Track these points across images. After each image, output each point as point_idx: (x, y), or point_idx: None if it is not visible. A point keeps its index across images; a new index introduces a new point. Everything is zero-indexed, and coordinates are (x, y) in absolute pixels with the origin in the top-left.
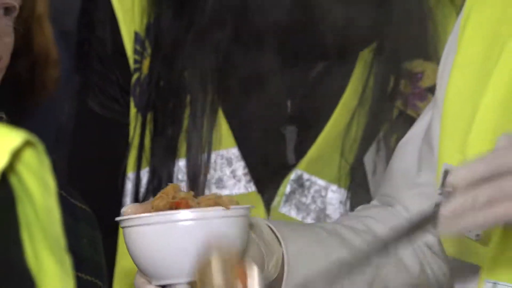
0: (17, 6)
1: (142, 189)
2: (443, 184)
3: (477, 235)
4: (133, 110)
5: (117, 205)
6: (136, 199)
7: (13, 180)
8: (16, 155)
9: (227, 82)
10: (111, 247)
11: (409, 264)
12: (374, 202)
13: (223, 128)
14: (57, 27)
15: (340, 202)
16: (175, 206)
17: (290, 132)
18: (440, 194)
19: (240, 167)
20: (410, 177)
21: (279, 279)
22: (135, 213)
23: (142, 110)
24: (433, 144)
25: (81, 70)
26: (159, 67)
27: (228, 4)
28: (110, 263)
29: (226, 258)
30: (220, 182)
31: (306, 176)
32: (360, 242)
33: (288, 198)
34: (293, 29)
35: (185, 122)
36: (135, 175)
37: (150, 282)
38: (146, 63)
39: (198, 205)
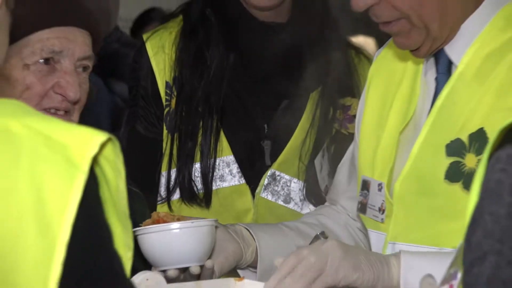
0: (91, 66)
1: (172, 182)
2: (362, 189)
3: (382, 219)
4: (165, 132)
5: (156, 191)
6: (168, 190)
7: (97, 170)
8: (100, 149)
9: (226, 113)
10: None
11: (345, 241)
12: (326, 203)
13: (224, 142)
14: (107, 100)
15: (299, 189)
16: (157, 222)
17: (267, 145)
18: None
19: (235, 167)
20: (344, 187)
21: (255, 262)
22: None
23: (171, 131)
24: (355, 164)
25: (131, 106)
26: (182, 104)
27: (227, 63)
28: None
29: None
30: (222, 178)
31: (277, 173)
32: (313, 232)
33: (266, 187)
34: (271, 79)
35: (199, 139)
36: (167, 173)
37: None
38: (173, 101)
39: (178, 220)
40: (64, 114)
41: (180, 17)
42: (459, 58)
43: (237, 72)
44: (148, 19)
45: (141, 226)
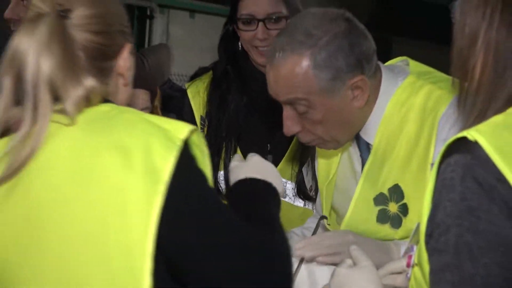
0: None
1: None
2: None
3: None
4: None
5: None
6: None
7: (190, 147)
8: (189, 136)
9: (241, 137)
10: None
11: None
12: (314, 213)
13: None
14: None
15: (292, 188)
16: None
17: (269, 158)
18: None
19: None
20: (320, 203)
21: None
22: None
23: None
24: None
25: None
26: (211, 131)
27: (242, 103)
28: None
29: None
30: None
31: None
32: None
33: None
34: (272, 114)
35: (223, 155)
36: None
37: None
38: (205, 129)
39: None
40: None
41: (210, 71)
42: (371, 139)
43: (249, 109)
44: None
45: None
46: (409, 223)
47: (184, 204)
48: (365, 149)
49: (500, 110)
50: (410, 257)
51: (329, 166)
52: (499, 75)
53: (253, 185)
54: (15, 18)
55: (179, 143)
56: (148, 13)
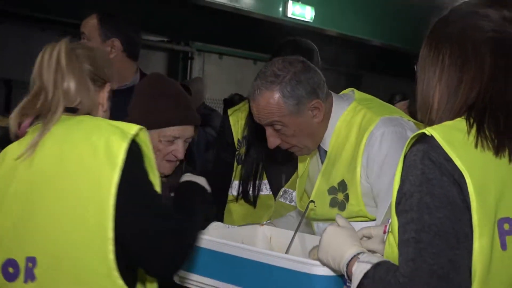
0: (192, 137)
1: (236, 188)
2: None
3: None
4: (235, 164)
5: (227, 191)
6: (237, 193)
7: (139, 143)
8: (137, 134)
9: (266, 160)
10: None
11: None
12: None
13: (264, 174)
14: (204, 138)
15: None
16: None
17: (283, 177)
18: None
19: (267, 186)
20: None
21: None
22: None
23: (239, 163)
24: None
25: (218, 147)
26: (253, 153)
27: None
28: None
29: None
30: (261, 190)
31: (287, 189)
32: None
33: (282, 195)
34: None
35: (253, 170)
36: (238, 182)
37: None
38: (242, 150)
39: None
40: (176, 161)
41: (247, 102)
42: (327, 147)
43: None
44: (231, 101)
45: None
46: (350, 207)
47: (133, 180)
48: (323, 154)
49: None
50: (385, 226)
51: (303, 166)
52: (449, 108)
53: (188, 186)
54: None
55: (129, 136)
56: (190, 55)
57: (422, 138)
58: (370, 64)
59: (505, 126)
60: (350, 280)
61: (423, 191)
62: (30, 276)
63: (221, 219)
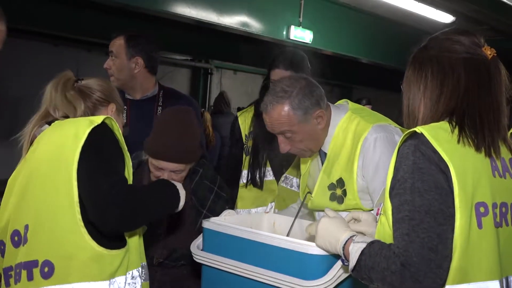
0: (183, 172)
1: (246, 175)
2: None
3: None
4: (244, 155)
5: (238, 179)
6: (247, 179)
7: (112, 129)
8: (105, 122)
9: (270, 151)
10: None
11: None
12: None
13: (268, 164)
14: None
15: (296, 181)
16: None
17: (284, 165)
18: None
19: (271, 172)
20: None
21: None
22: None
23: (247, 155)
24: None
25: (231, 144)
26: (253, 145)
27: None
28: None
29: None
30: (266, 176)
31: (288, 175)
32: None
33: (283, 180)
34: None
35: (261, 160)
36: (246, 171)
37: None
38: (249, 143)
39: None
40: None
41: (253, 106)
42: (327, 150)
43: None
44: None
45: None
46: (347, 200)
47: (93, 150)
48: (323, 156)
49: None
50: (378, 209)
51: (305, 165)
52: (431, 116)
53: (165, 181)
54: (107, 68)
55: (95, 123)
56: (209, 71)
57: (413, 135)
58: (360, 78)
59: (480, 128)
60: (347, 260)
61: (415, 178)
62: (25, 240)
63: (234, 205)
